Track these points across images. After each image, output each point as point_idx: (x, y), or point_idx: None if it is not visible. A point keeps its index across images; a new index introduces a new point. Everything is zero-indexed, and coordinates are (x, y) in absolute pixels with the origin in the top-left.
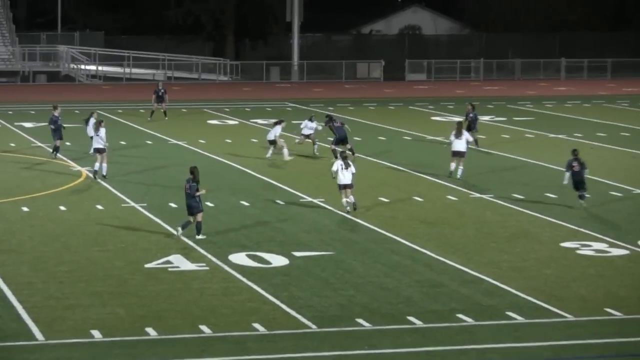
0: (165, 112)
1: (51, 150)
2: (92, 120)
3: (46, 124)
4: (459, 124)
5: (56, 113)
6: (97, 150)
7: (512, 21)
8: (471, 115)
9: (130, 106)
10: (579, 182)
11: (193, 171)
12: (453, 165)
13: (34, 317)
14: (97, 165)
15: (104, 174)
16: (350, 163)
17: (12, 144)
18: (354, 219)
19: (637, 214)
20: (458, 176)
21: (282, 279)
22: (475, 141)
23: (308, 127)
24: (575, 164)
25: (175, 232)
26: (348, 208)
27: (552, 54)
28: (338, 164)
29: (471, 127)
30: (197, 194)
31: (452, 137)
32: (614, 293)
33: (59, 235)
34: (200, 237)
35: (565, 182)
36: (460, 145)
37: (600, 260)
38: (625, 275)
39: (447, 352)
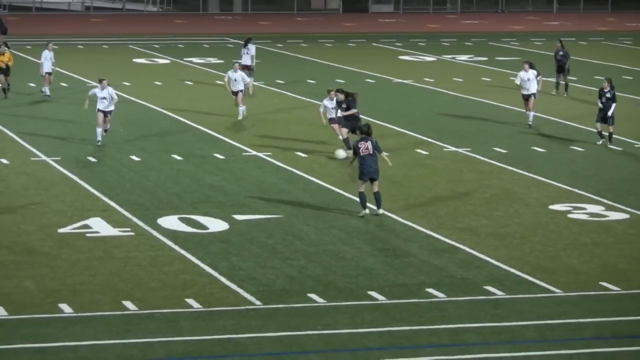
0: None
1: None
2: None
3: None
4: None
5: None
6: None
7: None
8: (561, 53)
9: (41, 41)
10: (606, 117)
11: (369, 127)
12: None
13: None
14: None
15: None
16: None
17: None
18: (306, 176)
19: (639, 172)
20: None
21: (221, 246)
22: (566, 86)
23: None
24: (608, 94)
25: (364, 213)
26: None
27: None
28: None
29: (562, 68)
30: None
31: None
32: (611, 265)
33: None
34: (382, 211)
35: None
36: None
37: (595, 226)
38: (625, 243)
39: (415, 333)
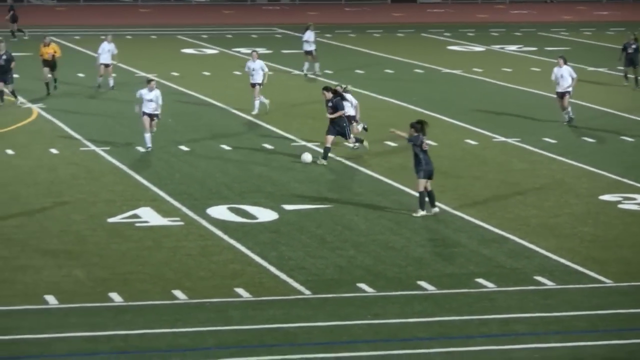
0: (19, 30)
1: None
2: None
3: None
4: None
5: None
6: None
7: None
8: (633, 46)
9: (90, 32)
10: None
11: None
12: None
13: None
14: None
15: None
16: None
17: None
18: (355, 165)
19: None
20: (566, 120)
21: (271, 236)
22: (636, 80)
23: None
24: None
25: (422, 214)
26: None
27: None
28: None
29: (633, 61)
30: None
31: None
32: None
33: (5, 184)
34: (437, 209)
35: None
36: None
37: None
38: None
39: (464, 323)
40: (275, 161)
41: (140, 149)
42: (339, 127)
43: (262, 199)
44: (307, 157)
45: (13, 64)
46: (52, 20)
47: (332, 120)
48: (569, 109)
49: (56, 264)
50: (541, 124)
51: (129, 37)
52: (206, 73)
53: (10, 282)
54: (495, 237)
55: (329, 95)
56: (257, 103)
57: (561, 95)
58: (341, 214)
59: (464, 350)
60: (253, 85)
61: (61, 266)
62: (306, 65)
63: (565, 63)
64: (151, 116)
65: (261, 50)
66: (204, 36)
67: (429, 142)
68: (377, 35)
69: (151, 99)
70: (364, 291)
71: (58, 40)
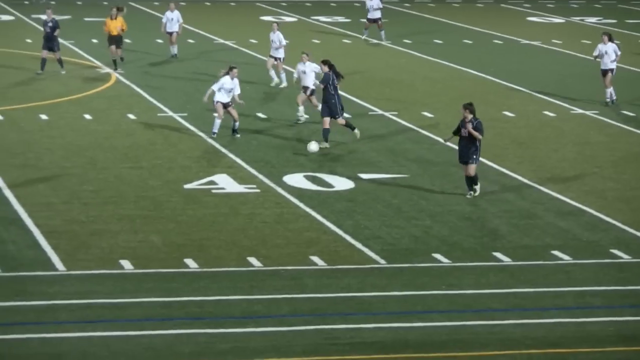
0: None
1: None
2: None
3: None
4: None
5: (45, 16)
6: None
7: None
8: None
9: None
10: None
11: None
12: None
13: (53, 243)
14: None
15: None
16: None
17: (29, 40)
18: (432, 135)
19: None
20: (607, 100)
21: (347, 205)
22: None
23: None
24: None
25: (469, 195)
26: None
27: None
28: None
29: None
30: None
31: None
32: None
33: (83, 149)
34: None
35: None
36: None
37: None
38: None
39: (540, 295)
40: None
41: (215, 115)
42: (330, 109)
43: (339, 167)
44: (313, 146)
45: (57, 32)
46: None
47: (324, 99)
48: (611, 89)
49: (132, 229)
50: (619, 97)
51: (207, 3)
52: (284, 41)
53: (86, 246)
54: (572, 210)
55: (325, 68)
56: (283, 75)
57: (604, 73)
58: (417, 183)
59: (539, 322)
60: (273, 57)
61: (137, 231)
62: (380, 32)
63: (610, 40)
64: (226, 105)
65: (340, 19)
66: (283, 4)
67: (507, 114)
68: (457, 5)
69: (232, 88)
70: (439, 261)
71: (135, 4)
